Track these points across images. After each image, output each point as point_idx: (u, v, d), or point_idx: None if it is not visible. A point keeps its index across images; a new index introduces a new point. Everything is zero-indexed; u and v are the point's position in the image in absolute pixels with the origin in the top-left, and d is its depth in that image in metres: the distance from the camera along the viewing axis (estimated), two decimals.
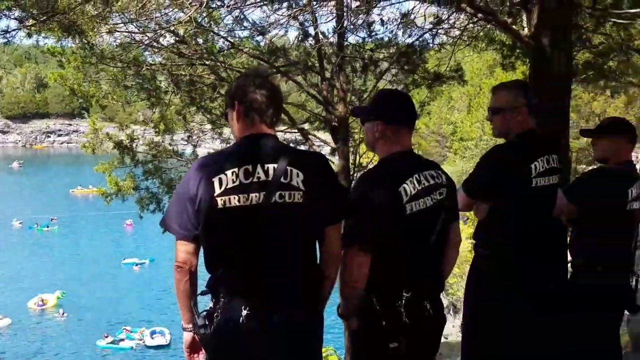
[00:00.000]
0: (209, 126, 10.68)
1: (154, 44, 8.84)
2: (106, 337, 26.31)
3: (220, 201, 2.19)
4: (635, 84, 13.00)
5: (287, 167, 2.25)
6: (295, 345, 2.28)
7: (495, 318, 3.08)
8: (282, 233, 2.27)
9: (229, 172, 2.21)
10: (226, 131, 10.57)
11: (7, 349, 25.54)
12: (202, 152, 11.77)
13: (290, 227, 2.29)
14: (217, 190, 2.19)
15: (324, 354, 9.75)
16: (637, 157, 25.15)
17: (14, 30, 6.67)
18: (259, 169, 2.23)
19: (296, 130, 10.10)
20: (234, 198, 2.20)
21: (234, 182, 2.20)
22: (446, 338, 14.94)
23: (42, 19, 6.53)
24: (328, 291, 2.48)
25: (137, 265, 39.57)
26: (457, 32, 9.71)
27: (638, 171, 3.79)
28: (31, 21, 6.65)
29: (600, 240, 3.50)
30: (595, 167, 4.11)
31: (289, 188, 2.25)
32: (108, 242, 47.37)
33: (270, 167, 2.24)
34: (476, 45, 10.68)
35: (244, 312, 2.21)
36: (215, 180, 2.20)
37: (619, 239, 3.60)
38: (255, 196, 2.21)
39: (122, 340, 26.35)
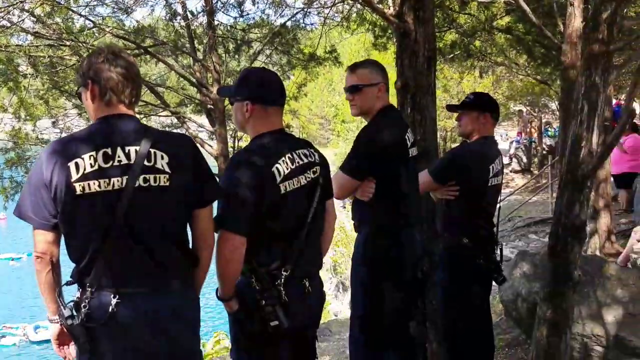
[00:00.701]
0: (74, 111, 10.11)
1: (6, 23, 8.17)
2: None
3: (78, 187, 2.08)
4: (501, 64, 13.73)
5: (150, 149, 2.17)
6: (169, 332, 2.23)
7: (386, 294, 3.18)
8: (149, 218, 2.20)
9: (85, 156, 2.09)
10: None
11: None
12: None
13: (158, 211, 2.22)
14: (75, 176, 2.08)
15: (215, 339, 9.74)
16: (506, 135, 27.23)
17: None
18: (119, 151, 2.13)
19: (171, 114, 9.85)
20: (94, 183, 2.09)
21: (92, 166, 2.10)
22: (336, 315, 15.44)
23: None
24: (202, 275, 2.43)
25: (13, 260, 36.95)
26: (328, 12, 9.89)
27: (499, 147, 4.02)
28: None
29: (465, 215, 3.68)
30: (459, 144, 4.31)
31: (154, 171, 2.17)
32: None
33: (132, 149, 2.15)
34: (348, 27, 10.91)
35: (114, 301, 2.15)
36: (72, 165, 2.08)
37: (483, 212, 3.78)
38: (118, 180, 2.12)
39: (4, 337, 24.76)
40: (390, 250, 3.17)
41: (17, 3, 7.18)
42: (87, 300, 2.19)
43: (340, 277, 22.55)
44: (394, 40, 10.90)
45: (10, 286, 32.47)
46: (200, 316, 2.42)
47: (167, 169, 2.19)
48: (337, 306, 16.33)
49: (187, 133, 10.23)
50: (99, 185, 2.11)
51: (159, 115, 10.21)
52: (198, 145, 2.52)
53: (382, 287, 3.19)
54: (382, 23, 10.21)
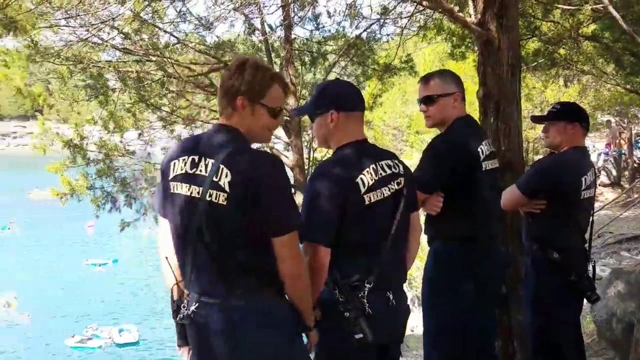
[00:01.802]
0: (159, 123, 10.56)
1: (98, 40, 8.68)
2: (73, 337, 25.98)
3: (172, 185, 2.34)
4: (588, 72, 13.15)
5: (220, 164, 2.17)
6: (216, 347, 2.26)
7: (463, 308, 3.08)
8: (212, 232, 2.22)
9: (180, 159, 2.32)
10: (177, 128, 10.50)
11: None
12: (155, 150, 11.69)
13: (218, 228, 2.22)
14: (171, 175, 2.34)
15: None
16: (593, 147, 25.95)
17: None
18: (202, 161, 2.22)
19: None
20: (180, 185, 2.29)
21: (182, 169, 2.30)
22: (412, 331, 15.13)
23: None
24: (298, 302, 2.32)
25: (100, 265, 39.00)
26: (405, 22, 9.80)
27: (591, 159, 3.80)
28: None
29: (555, 229, 3.50)
30: (547, 155, 4.10)
31: (217, 187, 2.17)
32: (70, 243, 46.44)
33: (210, 162, 2.21)
34: (425, 35, 10.77)
35: (192, 307, 2.29)
36: (171, 165, 2.39)
37: (575, 227, 3.59)
38: (195, 189, 2.22)
39: (90, 339, 26.06)
40: (460, 264, 3.09)
41: (108, 21, 7.59)
42: (185, 300, 2.38)
43: (416, 291, 22.14)
44: (473, 49, 10.68)
45: (96, 290, 34.28)
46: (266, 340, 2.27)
47: (226, 188, 2.16)
48: (414, 321, 15.98)
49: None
50: (182, 189, 2.24)
51: None
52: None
53: (456, 300, 3.09)
54: (460, 32, 10.00)
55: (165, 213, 2.38)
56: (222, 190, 2.15)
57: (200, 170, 2.19)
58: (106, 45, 9.06)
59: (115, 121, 10.15)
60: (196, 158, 2.21)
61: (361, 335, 2.35)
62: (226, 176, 2.14)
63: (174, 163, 2.26)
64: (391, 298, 2.57)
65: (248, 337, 2.22)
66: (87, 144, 10.21)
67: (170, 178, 2.26)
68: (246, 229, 2.20)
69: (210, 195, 2.16)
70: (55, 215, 57.50)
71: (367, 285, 2.44)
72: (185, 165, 2.22)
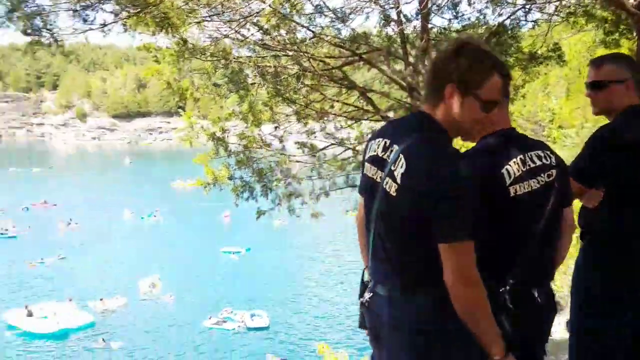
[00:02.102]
0: (293, 117, 10.83)
1: (239, 37, 9.08)
2: (210, 318, 27.85)
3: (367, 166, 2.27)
4: None
5: (401, 153, 2.01)
6: (383, 340, 2.20)
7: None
8: (385, 221, 2.09)
9: (375, 141, 2.19)
10: (310, 121, 10.72)
11: (125, 326, 27.59)
12: (289, 143, 12.03)
13: (389, 218, 2.08)
14: (367, 155, 2.26)
15: None
16: None
17: (110, 23, 7.07)
18: (391, 147, 2.07)
19: (381, 119, 10.00)
20: (369, 168, 2.20)
21: (368, 152, 2.24)
22: (550, 335, 14.26)
23: (134, 12, 6.88)
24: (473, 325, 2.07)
25: (234, 254, 41.23)
26: (553, 8, 9.16)
27: None
28: (125, 14, 7.01)
29: None
30: None
31: (391, 177, 2.01)
32: (207, 231, 49.63)
33: (395, 147, 2.05)
34: (575, 22, 9.99)
35: (367, 295, 2.30)
36: (372, 143, 2.24)
37: None
38: (378, 174, 2.10)
39: (225, 322, 27.76)
40: (619, 260, 2.81)
41: (249, 17, 7.89)
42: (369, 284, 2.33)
43: (557, 294, 20.82)
44: (629, 35, 9.72)
45: (231, 276, 36.36)
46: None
47: (398, 179, 1.99)
48: (554, 326, 15.08)
49: None
50: (370, 171, 2.14)
51: (370, 120, 10.46)
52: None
53: (607, 301, 2.82)
54: (614, 17, 9.15)
55: (361, 191, 2.30)
56: (395, 180, 1.99)
57: (388, 156, 2.05)
58: (247, 42, 9.46)
59: (254, 114, 10.56)
60: (388, 142, 2.08)
61: (501, 332, 2.13)
62: (401, 167, 1.98)
63: (372, 144, 2.16)
64: (536, 295, 2.38)
65: (408, 339, 2.09)
66: (228, 136, 10.75)
67: (366, 158, 2.18)
68: (412, 226, 2.02)
69: (386, 184, 2.03)
70: (195, 205, 61.89)
71: (511, 281, 2.28)
72: (378, 147, 2.10)
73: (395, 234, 2.08)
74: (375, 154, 2.11)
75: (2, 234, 47.29)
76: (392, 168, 2.00)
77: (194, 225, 52.72)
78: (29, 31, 8.18)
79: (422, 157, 1.99)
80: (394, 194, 2.00)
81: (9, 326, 27.23)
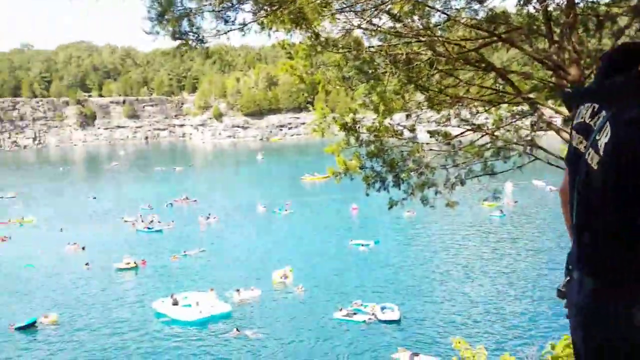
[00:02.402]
0: (426, 104, 10.57)
1: (371, 26, 9.03)
2: (340, 310, 28.20)
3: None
4: None
5: (607, 121, 1.78)
6: (575, 330, 2.01)
7: None
8: (583, 200, 1.90)
9: (584, 105, 1.84)
10: (444, 108, 10.40)
11: (258, 316, 28.96)
12: (422, 131, 11.80)
13: (587, 196, 1.87)
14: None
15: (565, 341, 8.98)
16: None
17: (249, 22, 7.36)
18: (599, 113, 1.87)
19: (522, 100, 9.44)
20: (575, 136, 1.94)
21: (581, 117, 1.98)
22: None
23: (272, 10, 7.09)
24: None
25: (363, 246, 41.48)
26: None
27: None
28: (263, 13, 7.26)
29: None
30: None
31: (594, 147, 1.82)
32: (336, 224, 50.51)
33: (602, 115, 1.83)
34: None
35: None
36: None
37: None
38: (584, 144, 1.88)
39: (355, 314, 27.98)
40: None
41: (381, 5, 7.81)
42: None
43: None
44: None
45: (360, 268, 36.61)
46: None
47: (600, 150, 1.67)
48: None
49: (540, 119, 9.65)
50: (575, 140, 1.91)
51: (509, 103, 9.92)
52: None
53: None
54: None
55: (566, 162, 2.08)
56: (597, 151, 1.72)
57: (595, 123, 1.80)
58: (378, 31, 9.39)
59: (385, 104, 10.49)
60: (596, 107, 1.83)
61: None
62: (606, 136, 1.74)
63: (580, 109, 1.92)
64: None
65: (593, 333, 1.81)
66: (359, 126, 10.79)
67: (573, 125, 1.95)
68: (613, 208, 1.72)
69: (589, 155, 1.77)
70: (323, 199, 63.32)
71: None
72: (586, 112, 1.87)
73: (592, 215, 1.84)
74: (582, 120, 1.87)
75: (149, 228, 51.59)
76: (597, 137, 1.77)
77: (323, 218, 53.95)
78: (177, 35, 8.80)
79: (632, 125, 1.72)
80: (595, 167, 1.76)
81: (157, 314, 29.68)
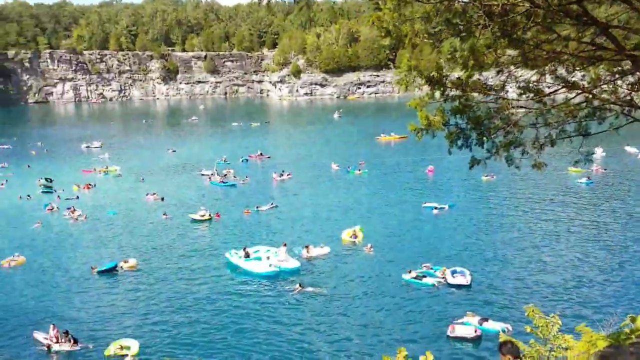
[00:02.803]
0: (520, 59, 10.07)
1: None
2: (409, 272, 28.14)
3: None
4: None
5: None
6: None
7: None
8: None
9: None
10: (538, 64, 9.88)
11: (326, 273, 29.50)
12: (511, 90, 11.33)
13: None
14: None
15: None
16: None
17: None
18: None
19: (625, 58, 8.81)
20: None
21: None
22: None
23: None
24: None
25: (436, 209, 40.93)
26: None
27: None
28: None
29: None
30: None
31: None
32: (410, 185, 50.03)
33: None
34: None
35: None
36: None
37: None
38: None
39: (425, 276, 27.84)
40: None
41: None
42: None
43: None
44: None
45: (432, 231, 36.25)
46: None
47: None
48: None
49: None
50: None
51: (610, 60, 9.28)
52: None
53: None
54: None
55: None
56: None
57: None
58: None
59: (475, 58, 10.09)
60: None
61: None
62: None
63: None
64: None
65: None
66: (446, 80, 10.47)
67: None
68: None
69: None
70: (398, 159, 62.75)
71: None
72: None
73: None
74: None
75: (224, 182, 53.14)
76: None
77: (397, 178, 53.57)
78: None
79: None
80: None
81: (229, 264, 30.81)
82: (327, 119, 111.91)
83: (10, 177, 56.48)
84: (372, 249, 32.65)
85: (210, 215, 40.43)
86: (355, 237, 34.82)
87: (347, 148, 73.45)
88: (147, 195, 47.39)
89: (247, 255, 30.75)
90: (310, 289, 26.97)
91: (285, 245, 31.67)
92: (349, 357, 20.45)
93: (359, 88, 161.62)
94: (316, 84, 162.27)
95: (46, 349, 21.24)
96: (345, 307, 24.93)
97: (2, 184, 53.55)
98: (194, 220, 39.85)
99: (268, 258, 30.22)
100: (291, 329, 22.80)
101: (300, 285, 27.14)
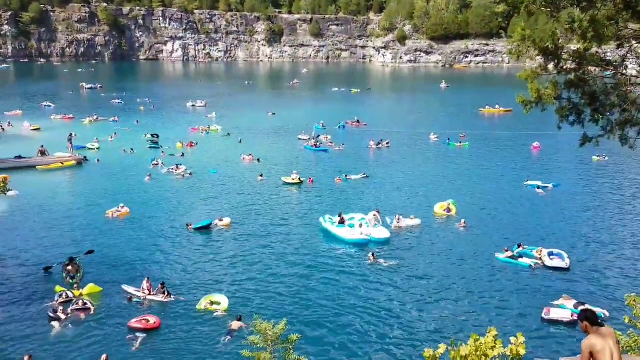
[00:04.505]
0: None
1: None
2: (506, 251, 27.26)
3: None
4: None
5: None
6: None
7: None
8: None
9: None
10: None
11: (417, 244, 29.43)
12: (632, 64, 10.59)
13: None
14: None
15: None
16: None
17: None
18: None
19: None
20: None
21: None
22: None
23: None
24: None
25: (539, 188, 39.20)
26: None
27: None
28: None
29: None
30: None
31: None
32: (512, 162, 48.15)
33: None
34: None
35: None
36: None
37: None
38: None
39: (521, 257, 26.89)
40: None
41: None
42: None
43: None
44: None
45: (532, 211, 34.81)
46: None
47: None
48: None
49: None
50: None
51: None
52: None
53: None
54: None
55: None
56: None
57: None
58: None
59: (595, 30, 9.50)
60: None
61: None
62: None
63: None
64: None
65: None
66: (562, 52, 9.97)
67: None
68: None
69: None
70: (502, 133, 60.47)
71: None
72: None
73: None
74: None
75: (317, 147, 53.68)
76: None
77: (499, 153, 51.73)
78: None
79: None
80: None
81: (322, 229, 31.12)
82: (430, 88, 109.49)
83: (119, 131, 59.74)
84: (465, 225, 31.91)
85: (301, 179, 40.95)
86: (449, 211, 34.13)
87: (448, 119, 71.71)
88: (243, 155, 48.65)
89: (342, 222, 30.96)
90: (382, 260, 26.89)
91: (378, 212, 31.62)
92: (435, 333, 20.37)
93: (466, 57, 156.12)
94: (421, 51, 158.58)
95: (138, 300, 22.51)
96: (434, 282, 24.62)
97: (112, 137, 56.99)
98: (286, 183, 40.54)
99: (360, 226, 30.36)
100: (378, 300, 22.92)
101: (372, 255, 27.09)
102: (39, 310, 21.22)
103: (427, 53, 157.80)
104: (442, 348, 7.42)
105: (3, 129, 60.96)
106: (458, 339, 7.75)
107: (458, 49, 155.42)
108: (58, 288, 22.86)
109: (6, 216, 32.86)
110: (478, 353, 7.19)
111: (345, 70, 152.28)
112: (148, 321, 20.10)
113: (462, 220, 32.20)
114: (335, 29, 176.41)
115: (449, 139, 56.41)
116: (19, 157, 45.67)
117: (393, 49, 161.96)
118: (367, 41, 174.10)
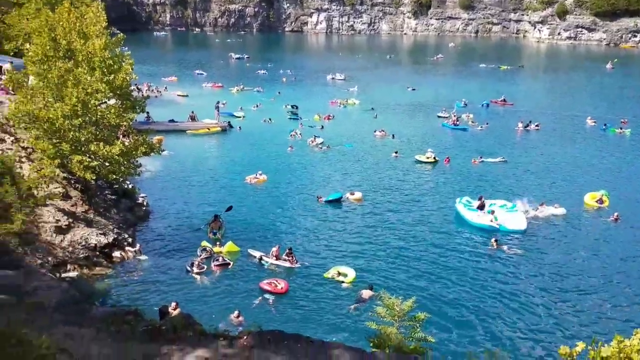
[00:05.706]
0: None
1: None
2: None
3: None
4: None
5: None
6: None
7: None
8: None
9: None
10: None
11: (558, 235, 27.44)
12: None
13: None
14: None
15: None
16: None
17: None
18: None
19: None
20: None
21: None
22: None
23: None
24: None
25: None
26: None
27: None
28: None
29: None
30: None
31: None
32: None
33: None
34: None
35: None
36: None
37: None
38: None
39: None
40: None
41: None
42: None
43: None
44: None
45: None
46: None
47: None
48: None
49: None
50: None
51: None
52: None
53: None
54: None
55: None
56: None
57: None
58: None
59: None
60: None
61: None
62: None
63: None
64: None
65: None
66: None
67: None
68: None
69: None
70: None
71: None
72: None
73: None
74: None
75: (456, 125, 51.59)
76: None
77: None
78: None
79: None
80: None
81: (456, 211, 29.86)
82: (591, 68, 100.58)
83: (264, 102, 61.70)
84: (619, 219, 29.12)
85: (436, 158, 39.72)
86: (602, 202, 31.33)
87: (609, 103, 65.54)
88: (375, 131, 48.20)
89: (481, 206, 29.58)
90: (505, 247, 25.45)
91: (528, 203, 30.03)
92: (570, 330, 19.00)
93: (635, 36, 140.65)
94: (583, 27, 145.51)
95: (265, 262, 23.43)
96: (573, 277, 22.92)
97: (255, 107, 59.22)
98: (419, 162, 39.67)
99: (493, 212, 28.80)
100: (503, 289, 21.86)
101: (495, 242, 25.65)
102: (184, 264, 23.01)
103: (590, 30, 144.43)
104: (580, 346, 6.97)
105: (160, 93, 65.38)
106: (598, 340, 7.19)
107: (626, 26, 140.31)
108: (203, 243, 24.64)
109: (160, 174, 35.90)
110: (621, 355, 6.68)
111: (495, 45, 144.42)
112: (277, 285, 20.99)
113: (615, 214, 29.41)
114: (488, 1, 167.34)
115: (605, 125, 51.51)
116: (172, 120, 49.35)
117: (551, 23, 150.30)
118: (523, 15, 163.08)
